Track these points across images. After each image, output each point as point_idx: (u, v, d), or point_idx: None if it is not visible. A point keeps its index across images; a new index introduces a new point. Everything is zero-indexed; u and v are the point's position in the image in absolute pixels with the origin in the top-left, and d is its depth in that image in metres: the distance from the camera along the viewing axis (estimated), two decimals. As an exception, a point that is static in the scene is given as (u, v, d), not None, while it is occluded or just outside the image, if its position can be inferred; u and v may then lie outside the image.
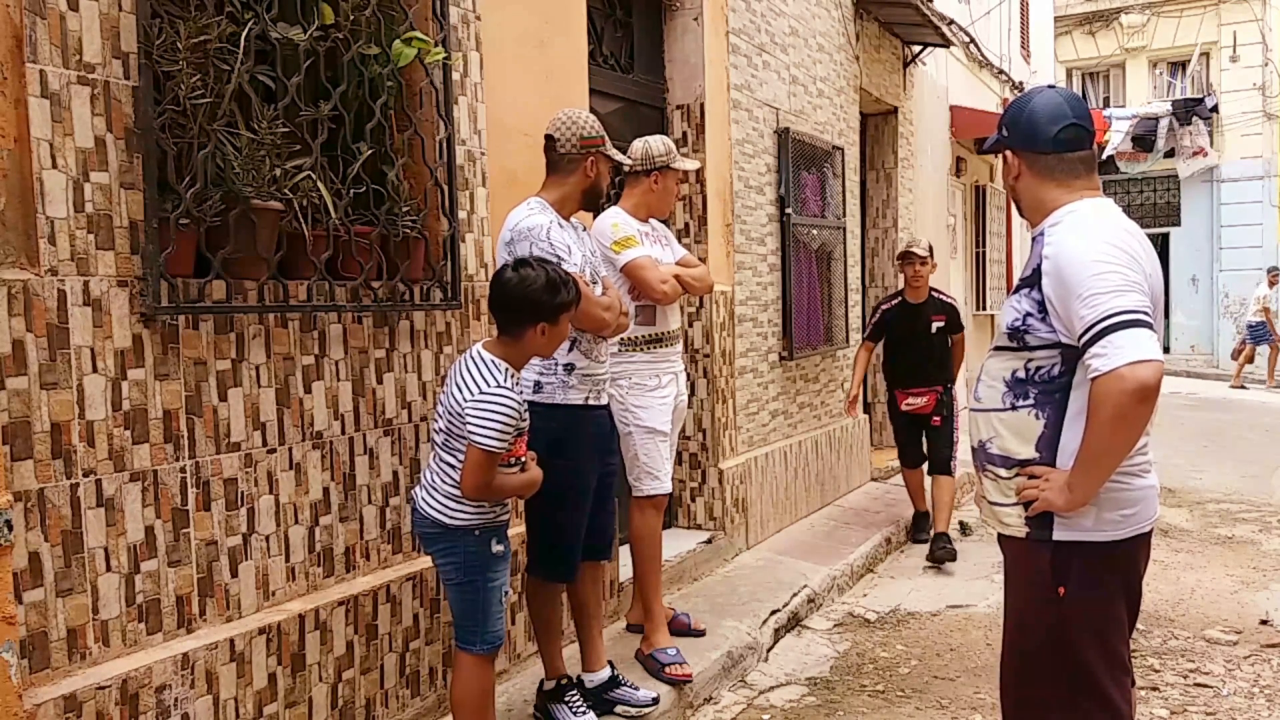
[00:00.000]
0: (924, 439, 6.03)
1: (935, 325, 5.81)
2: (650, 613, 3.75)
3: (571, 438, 3.05)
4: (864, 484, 7.37)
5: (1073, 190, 2.19)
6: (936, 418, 5.89)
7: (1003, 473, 2.22)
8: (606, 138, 3.21)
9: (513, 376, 2.62)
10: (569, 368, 3.09)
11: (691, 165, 3.94)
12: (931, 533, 5.82)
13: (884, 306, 5.97)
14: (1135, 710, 2.24)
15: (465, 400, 2.54)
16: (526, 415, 2.63)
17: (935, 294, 5.89)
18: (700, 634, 4.05)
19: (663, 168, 3.81)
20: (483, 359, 2.62)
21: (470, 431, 2.51)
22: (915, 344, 5.82)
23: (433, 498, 2.65)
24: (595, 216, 3.76)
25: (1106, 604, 2.17)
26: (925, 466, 6.11)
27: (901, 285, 6.00)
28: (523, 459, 2.69)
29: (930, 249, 5.87)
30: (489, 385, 2.54)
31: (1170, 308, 18.16)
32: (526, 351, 2.69)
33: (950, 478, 5.86)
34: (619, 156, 3.28)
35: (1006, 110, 2.35)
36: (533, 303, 2.62)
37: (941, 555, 5.61)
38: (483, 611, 2.66)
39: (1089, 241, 2.07)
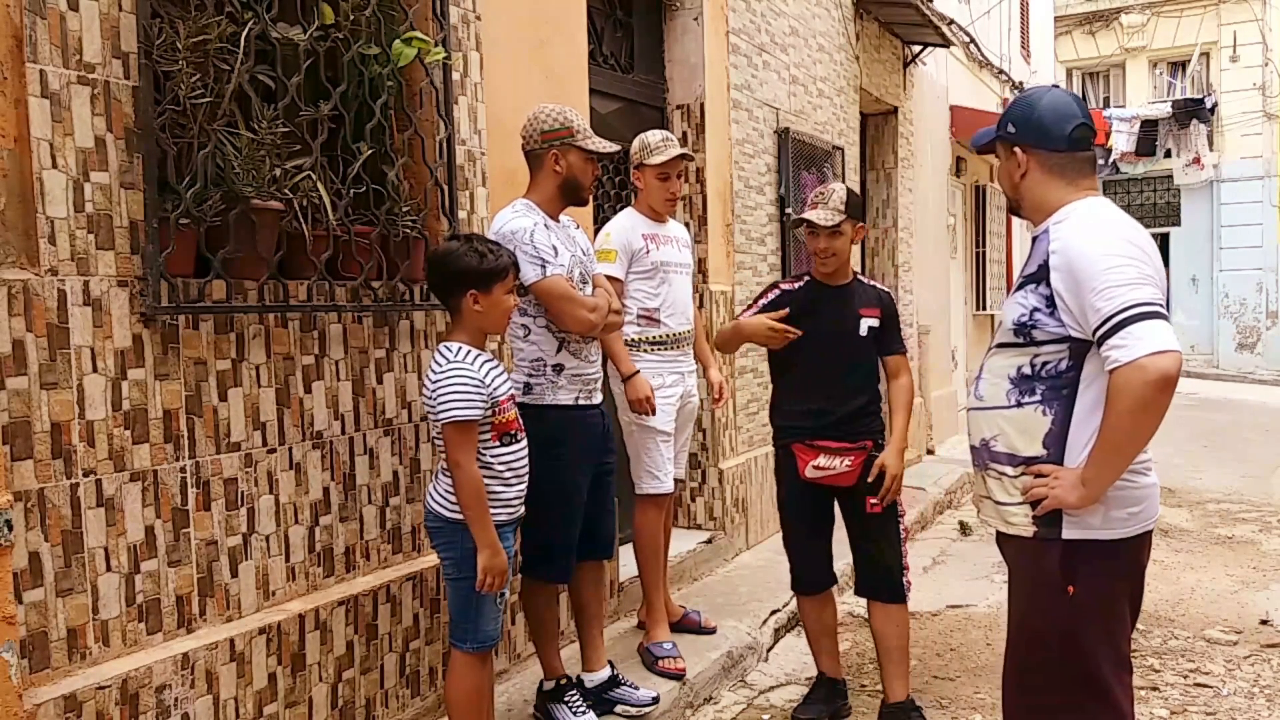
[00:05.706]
0: (852, 537, 3.44)
1: (866, 324, 3.38)
2: (651, 607, 3.77)
3: (563, 438, 3.02)
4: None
5: (1078, 189, 2.21)
6: (873, 501, 3.33)
7: (1009, 471, 2.22)
8: (577, 129, 3.03)
9: (469, 354, 2.60)
10: (558, 368, 3.06)
11: (659, 158, 3.63)
12: (882, 705, 3.48)
13: (784, 285, 3.49)
14: (1134, 705, 2.25)
15: (426, 390, 2.60)
16: (495, 383, 2.61)
17: (863, 279, 3.53)
18: (711, 631, 4.06)
19: (638, 165, 3.69)
20: (438, 349, 2.65)
21: (438, 415, 2.54)
22: (832, 355, 3.36)
23: (436, 491, 2.68)
24: (597, 213, 3.76)
25: (1114, 602, 2.18)
26: (844, 587, 3.94)
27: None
28: (517, 435, 2.69)
29: (849, 202, 3.32)
30: (441, 366, 2.58)
31: (1170, 308, 17.95)
32: (469, 325, 2.65)
33: (903, 606, 3.39)
34: (593, 145, 3.05)
35: (1011, 108, 2.34)
36: (456, 272, 2.62)
37: None
38: (476, 610, 2.66)
39: (1100, 236, 2.08)
